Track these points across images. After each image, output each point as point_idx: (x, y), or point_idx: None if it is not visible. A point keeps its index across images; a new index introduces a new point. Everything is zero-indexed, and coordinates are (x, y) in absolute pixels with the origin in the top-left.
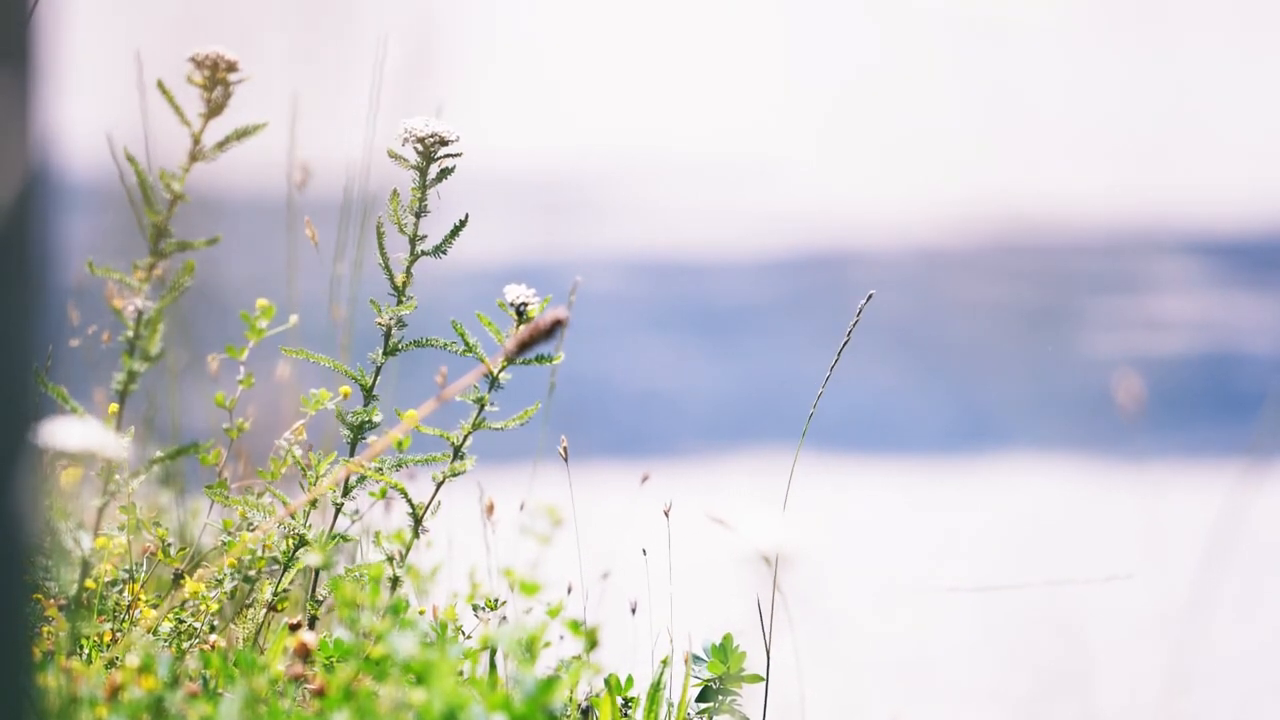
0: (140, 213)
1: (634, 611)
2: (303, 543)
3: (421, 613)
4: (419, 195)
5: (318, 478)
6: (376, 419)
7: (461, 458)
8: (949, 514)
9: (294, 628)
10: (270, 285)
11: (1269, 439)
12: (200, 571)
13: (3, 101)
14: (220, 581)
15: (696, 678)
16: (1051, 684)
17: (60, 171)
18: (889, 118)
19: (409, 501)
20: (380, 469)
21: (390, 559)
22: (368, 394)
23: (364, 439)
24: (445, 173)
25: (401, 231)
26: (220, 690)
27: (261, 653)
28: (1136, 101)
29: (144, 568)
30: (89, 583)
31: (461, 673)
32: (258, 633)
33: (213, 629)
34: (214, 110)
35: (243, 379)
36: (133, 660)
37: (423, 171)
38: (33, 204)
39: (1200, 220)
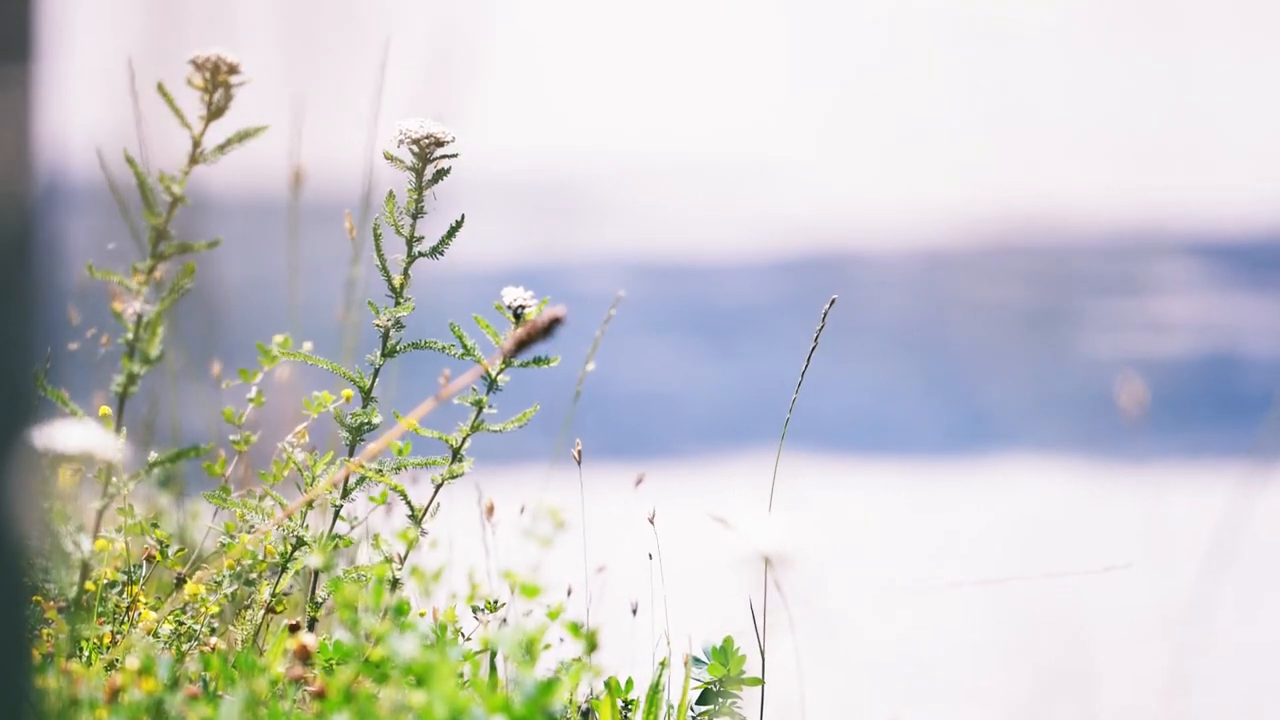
0: (138, 215)
1: (634, 613)
2: (300, 544)
3: (422, 614)
4: (415, 197)
5: (314, 478)
6: (375, 420)
7: (460, 460)
8: (949, 515)
9: (294, 629)
10: (270, 287)
11: (1270, 441)
12: (200, 574)
13: (3, 102)
14: (220, 584)
15: (696, 680)
16: (1052, 685)
17: (61, 173)
18: (889, 118)
19: (408, 504)
20: (380, 470)
21: (389, 560)
22: (366, 396)
23: (363, 441)
24: (441, 174)
25: (399, 233)
26: (220, 692)
27: (261, 655)
28: (1137, 102)
29: (143, 570)
30: (88, 585)
31: (462, 675)
32: (257, 635)
33: (213, 631)
34: (215, 113)
35: (253, 397)
36: (132, 662)
37: (418, 173)
38: (33, 206)
39: (1202, 221)
